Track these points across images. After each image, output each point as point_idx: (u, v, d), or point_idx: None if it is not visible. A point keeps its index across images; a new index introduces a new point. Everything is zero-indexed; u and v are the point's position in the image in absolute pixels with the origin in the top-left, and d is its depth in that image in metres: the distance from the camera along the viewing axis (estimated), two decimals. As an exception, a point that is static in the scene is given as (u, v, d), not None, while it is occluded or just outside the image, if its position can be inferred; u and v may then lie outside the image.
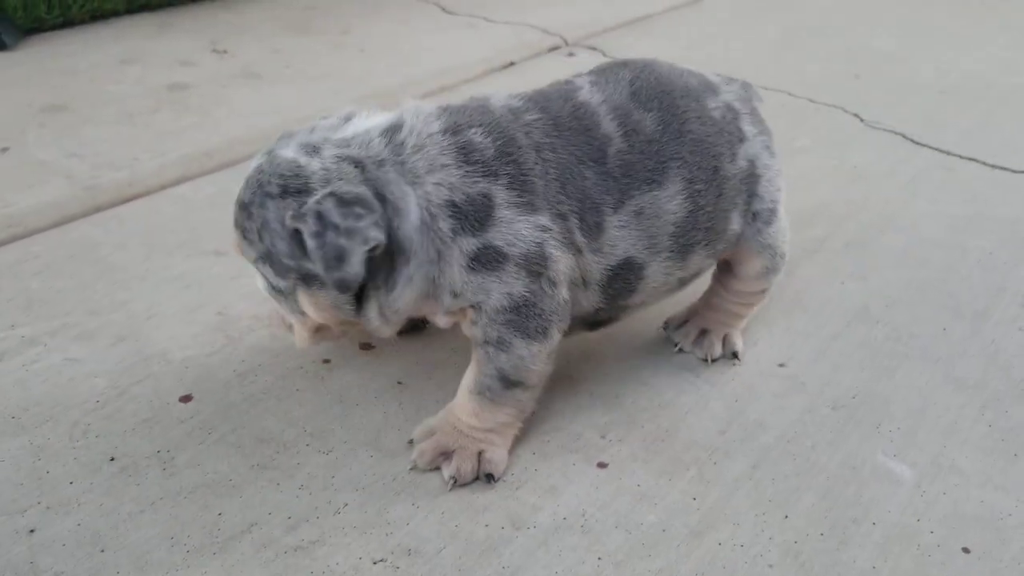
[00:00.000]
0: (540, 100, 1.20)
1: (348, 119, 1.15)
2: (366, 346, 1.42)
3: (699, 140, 1.22)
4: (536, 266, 1.10)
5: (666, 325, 1.46)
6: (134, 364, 1.35)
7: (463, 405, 1.18)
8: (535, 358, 1.14)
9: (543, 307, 1.12)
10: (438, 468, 1.18)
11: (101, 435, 1.22)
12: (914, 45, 2.91)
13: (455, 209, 1.08)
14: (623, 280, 1.20)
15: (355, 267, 1.02)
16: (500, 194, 1.09)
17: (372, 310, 1.11)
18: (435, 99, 2.36)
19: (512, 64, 2.68)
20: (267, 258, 1.10)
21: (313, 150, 1.10)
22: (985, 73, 2.67)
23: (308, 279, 1.09)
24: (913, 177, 2.04)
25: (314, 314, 1.13)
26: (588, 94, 1.22)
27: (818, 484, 1.20)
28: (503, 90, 1.23)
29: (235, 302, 1.50)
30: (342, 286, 1.05)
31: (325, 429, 1.25)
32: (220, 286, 1.54)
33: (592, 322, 1.25)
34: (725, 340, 1.42)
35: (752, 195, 1.29)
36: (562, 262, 1.12)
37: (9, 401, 1.27)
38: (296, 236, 1.05)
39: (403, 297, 1.10)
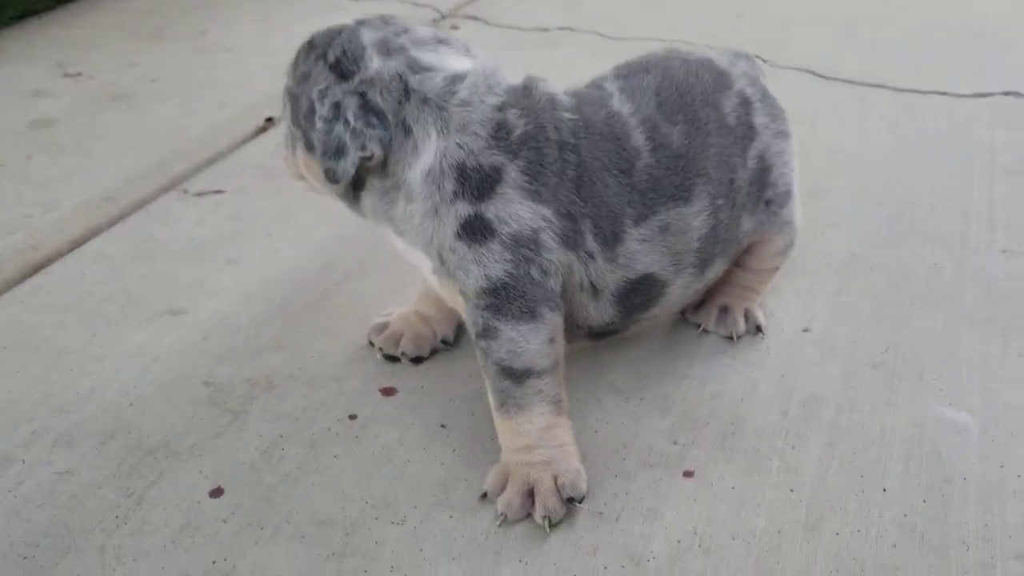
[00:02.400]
0: (579, 101, 1.18)
1: (440, 43, 1.16)
2: (388, 391, 1.30)
3: (719, 153, 1.22)
4: (525, 249, 1.07)
5: (683, 309, 1.42)
6: (137, 463, 1.18)
7: (502, 431, 1.12)
8: (527, 338, 1.08)
9: (525, 291, 1.08)
10: (529, 515, 1.09)
11: (139, 557, 1.06)
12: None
13: (463, 173, 1.08)
14: (642, 295, 1.19)
15: (347, 165, 1.09)
16: (511, 174, 1.08)
17: (367, 205, 1.16)
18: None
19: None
20: (292, 101, 1.17)
21: (387, 52, 1.12)
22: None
23: (310, 146, 1.15)
24: (836, 113, 2.08)
25: (304, 172, 1.20)
26: (619, 103, 1.20)
27: (896, 449, 1.19)
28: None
29: (218, 367, 1.34)
30: (331, 176, 1.10)
31: (386, 496, 1.13)
32: (193, 351, 1.37)
33: (599, 333, 1.21)
34: (747, 315, 1.40)
35: (764, 186, 1.29)
36: (557, 255, 1.09)
37: (12, 538, 1.08)
38: (313, 108, 1.11)
39: (401, 221, 1.13)
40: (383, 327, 1.37)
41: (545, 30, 2.65)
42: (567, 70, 2.29)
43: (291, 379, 1.32)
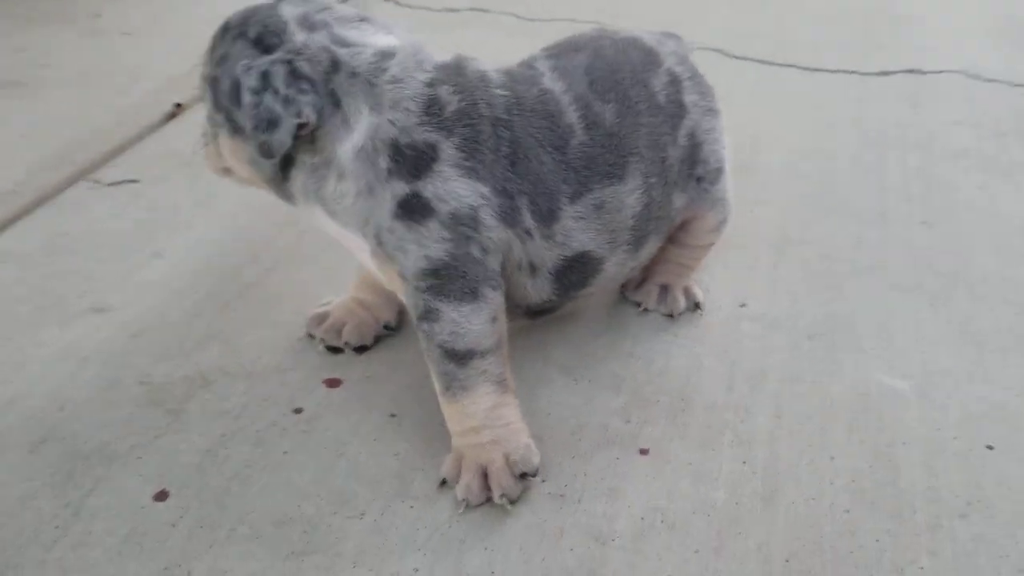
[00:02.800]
0: (511, 79, 1.17)
1: (362, 20, 1.13)
2: (333, 382, 1.27)
3: (651, 132, 1.23)
4: (464, 228, 1.07)
5: (623, 288, 1.43)
6: (72, 470, 1.12)
7: (449, 416, 1.11)
8: (470, 319, 1.08)
9: (466, 270, 1.07)
10: (489, 498, 1.08)
11: (84, 570, 1.00)
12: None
13: (397, 150, 1.06)
14: (579, 272, 1.19)
15: (283, 135, 1.05)
16: (447, 151, 1.07)
17: (297, 186, 1.12)
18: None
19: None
20: (212, 86, 1.12)
21: (310, 26, 1.09)
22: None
23: (236, 129, 1.11)
24: (752, 92, 2.12)
25: (230, 161, 1.16)
26: (551, 82, 1.19)
27: (840, 418, 1.22)
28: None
29: (153, 366, 1.29)
30: (265, 151, 1.06)
31: (343, 491, 1.10)
32: (124, 350, 1.31)
33: (536, 311, 1.22)
34: (686, 292, 1.42)
35: (695, 163, 1.30)
36: (496, 232, 1.09)
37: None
38: (237, 86, 1.07)
39: (332, 201, 1.10)
40: (322, 317, 1.33)
41: (455, 11, 2.62)
42: (480, 51, 2.27)
43: (229, 375, 1.27)
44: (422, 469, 1.14)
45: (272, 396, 1.24)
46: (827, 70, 2.24)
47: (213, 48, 1.13)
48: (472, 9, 2.60)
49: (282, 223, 1.58)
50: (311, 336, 1.33)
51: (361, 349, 1.31)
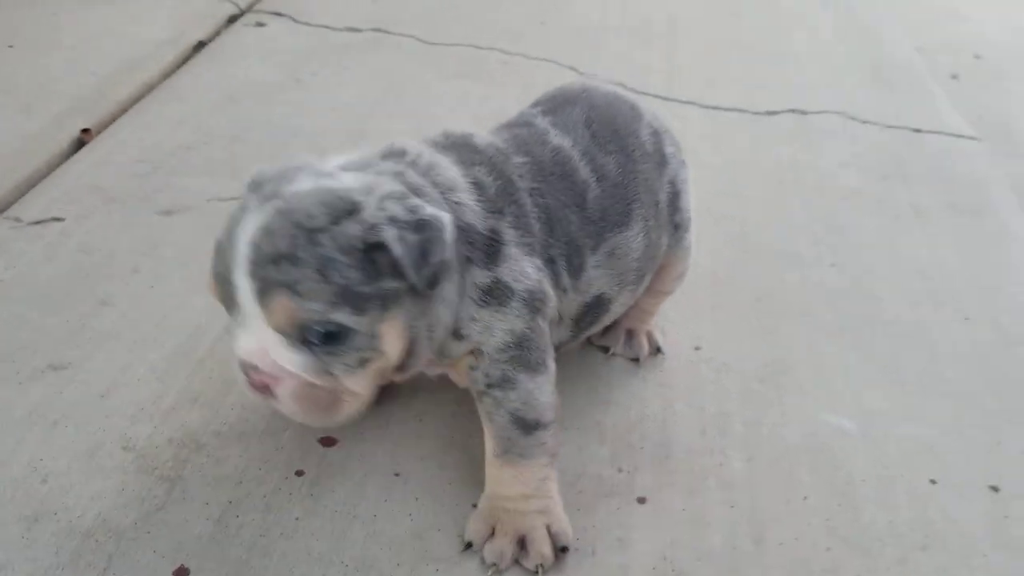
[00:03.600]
0: (520, 143, 1.21)
1: (341, 169, 1.06)
2: (328, 441, 1.27)
3: (646, 179, 1.31)
4: (538, 303, 1.12)
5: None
6: (77, 548, 1.08)
7: (497, 478, 1.14)
8: (542, 390, 1.13)
9: (540, 342, 1.13)
10: (516, 563, 1.13)
11: (120, 659, 0.98)
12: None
13: (469, 238, 1.06)
14: (593, 314, 1.27)
15: (440, 254, 0.98)
16: (508, 232, 1.10)
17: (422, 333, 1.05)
18: (148, 97, 2.06)
19: (203, 45, 2.38)
20: (343, 297, 0.95)
21: (330, 176, 1.02)
22: (662, 8, 2.93)
23: (388, 301, 0.99)
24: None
25: (394, 346, 1.02)
26: (558, 138, 1.24)
27: (801, 458, 1.34)
28: (477, 127, 1.21)
29: (132, 428, 1.25)
30: (432, 281, 0.99)
31: (364, 556, 1.12)
32: (96, 412, 1.26)
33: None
34: (649, 337, 1.50)
35: (675, 211, 1.39)
36: (552, 302, 1.15)
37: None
38: (369, 256, 0.96)
39: (443, 318, 1.05)
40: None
41: (357, 30, 2.60)
42: (387, 77, 2.28)
43: (220, 436, 1.25)
44: (438, 529, 1.17)
45: (270, 459, 1.23)
46: (722, 108, 2.38)
47: (297, 285, 0.94)
48: (374, 30, 2.59)
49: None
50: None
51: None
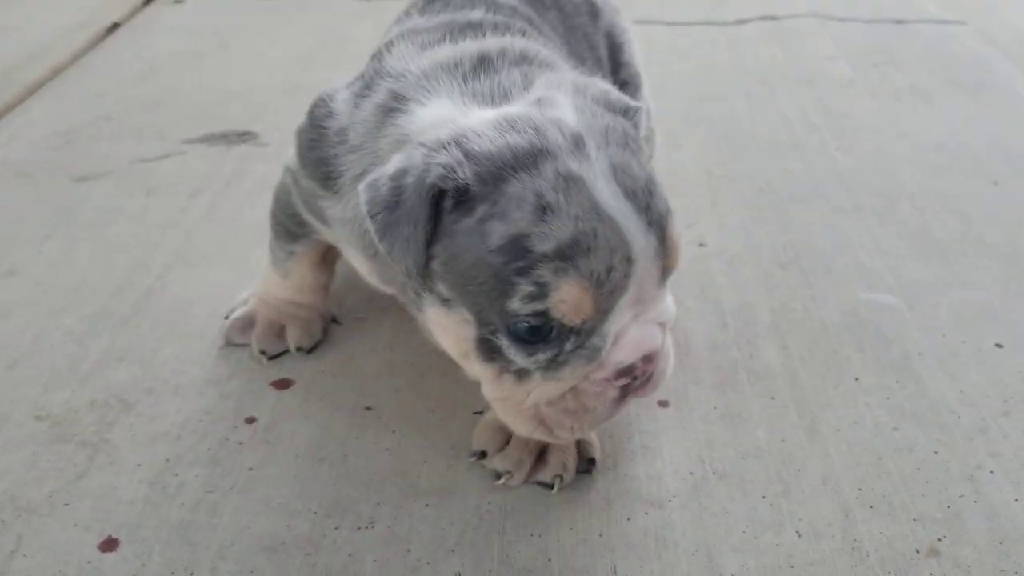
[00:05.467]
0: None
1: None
2: (282, 384, 1.07)
3: (584, 32, 1.17)
4: None
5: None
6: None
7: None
8: None
9: None
10: (529, 479, 0.92)
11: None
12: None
13: None
14: None
15: None
16: None
17: None
18: (60, 78, 1.87)
19: (117, 26, 2.18)
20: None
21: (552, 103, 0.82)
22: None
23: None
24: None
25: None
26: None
27: (844, 339, 1.15)
28: None
29: (46, 396, 1.04)
30: None
31: (338, 500, 0.91)
32: (3, 385, 1.05)
33: None
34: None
35: (619, 65, 1.24)
36: None
37: None
38: None
39: None
40: (247, 322, 1.12)
41: (290, -3, 2.40)
42: (320, 33, 2.09)
43: (152, 393, 1.04)
44: (424, 461, 0.96)
45: (214, 410, 1.02)
46: (687, 23, 2.20)
47: (647, 171, 0.80)
48: (308, -6, 2.40)
49: (162, 224, 1.34)
50: (236, 345, 1.11)
51: (311, 349, 1.10)
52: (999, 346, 1.13)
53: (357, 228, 0.86)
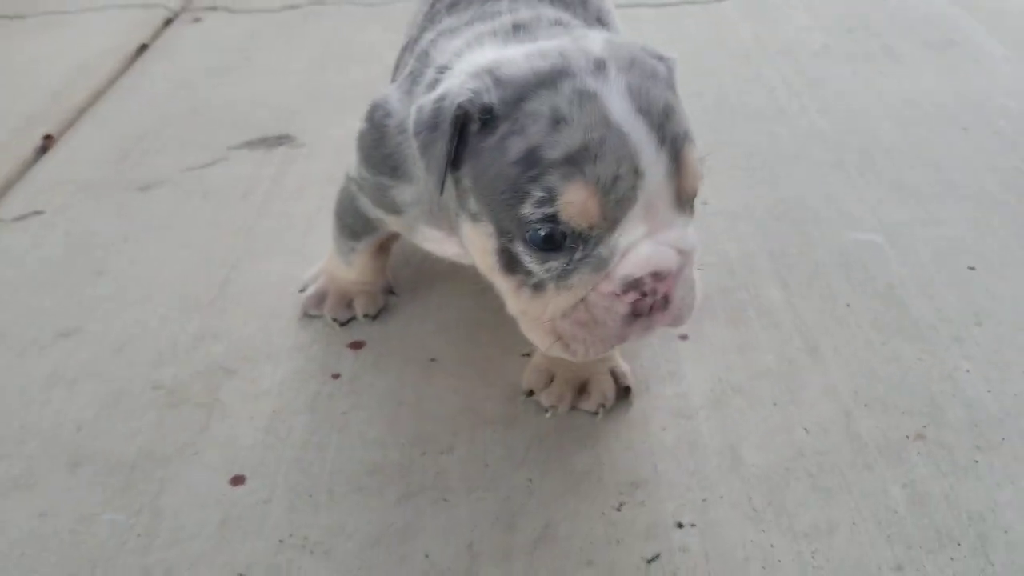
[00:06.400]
0: None
1: None
2: (356, 345, 1.24)
3: (583, 19, 1.18)
4: None
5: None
6: (129, 481, 1.04)
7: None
8: None
9: None
10: (574, 408, 1.09)
11: (194, 562, 0.93)
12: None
13: None
14: None
15: None
16: None
17: None
18: (103, 98, 2.02)
19: (145, 47, 2.34)
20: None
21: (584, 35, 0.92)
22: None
23: None
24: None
25: None
26: None
27: (835, 274, 1.32)
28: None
29: (156, 372, 1.20)
30: None
31: (420, 433, 1.09)
32: (115, 365, 1.22)
33: None
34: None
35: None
36: None
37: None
38: None
39: None
40: (320, 297, 1.29)
41: (295, 7, 2.57)
42: (333, 40, 2.25)
43: (248, 360, 1.21)
44: (487, 398, 1.13)
45: (303, 370, 1.19)
46: (672, 3, 2.37)
47: (668, 98, 0.86)
48: (312, 3, 2.56)
49: (223, 223, 1.51)
50: (312, 316, 1.28)
51: (376, 316, 1.28)
52: (971, 268, 1.31)
53: (425, 204, 1.02)
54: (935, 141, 1.64)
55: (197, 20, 2.50)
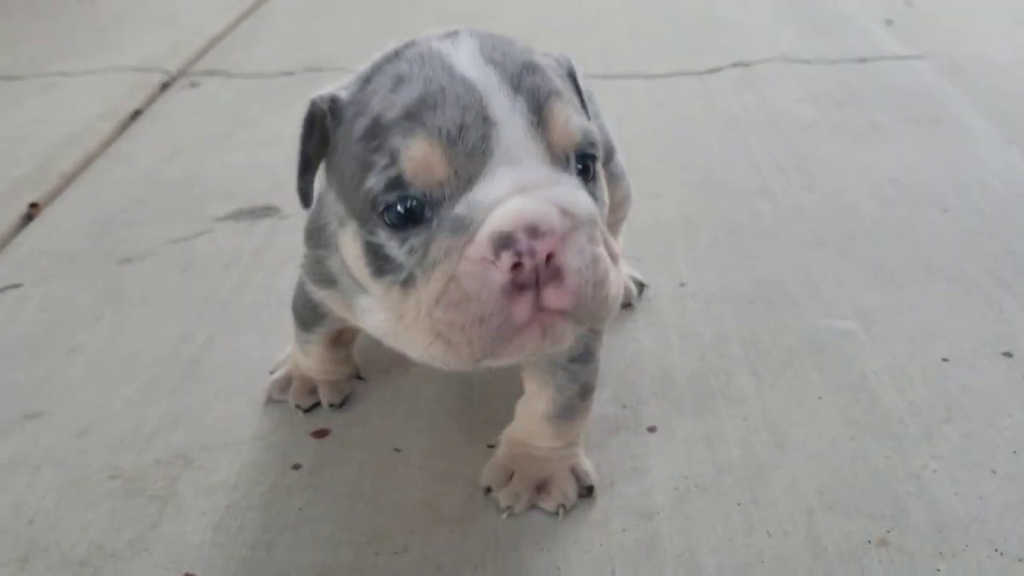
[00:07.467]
0: None
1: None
2: (320, 433, 1.23)
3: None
4: None
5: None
6: (73, 579, 1.02)
7: (540, 433, 1.09)
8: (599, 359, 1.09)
9: None
10: (534, 506, 1.08)
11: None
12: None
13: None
14: None
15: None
16: None
17: None
18: (92, 166, 2.04)
19: (139, 113, 2.37)
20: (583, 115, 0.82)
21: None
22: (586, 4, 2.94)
23: None
24: (608, 103, 2.21)
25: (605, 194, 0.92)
26: None
27: (807, 364, 1.31)
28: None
29: (115, 458, 1.19)
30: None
31: (375, 530, 1.07)
32: (77, 450, 1.21)
33: None
34: (633, 279, 1.46)
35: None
36: None
37: None
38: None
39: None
40: (285, 382, 1.28)
41: (291, 73, 2.59)
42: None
43: (207, 450, 1.20)
44: (446, 493, 1.11)
45: (262, 460, 1.18)
46: (664, 75, 2.38)
47: (532, 56, 0.83)
48: (308, 70, 2.59)
49: (200, 298, 1.51)
50: (276, 401, 1.27)
51: (342, 403, 1.27)
52: (944, 360, 1.29)
53: (349, 266, 0.89)
54: (916, 221, 1.63)
55: (194, 85, 2.53)
